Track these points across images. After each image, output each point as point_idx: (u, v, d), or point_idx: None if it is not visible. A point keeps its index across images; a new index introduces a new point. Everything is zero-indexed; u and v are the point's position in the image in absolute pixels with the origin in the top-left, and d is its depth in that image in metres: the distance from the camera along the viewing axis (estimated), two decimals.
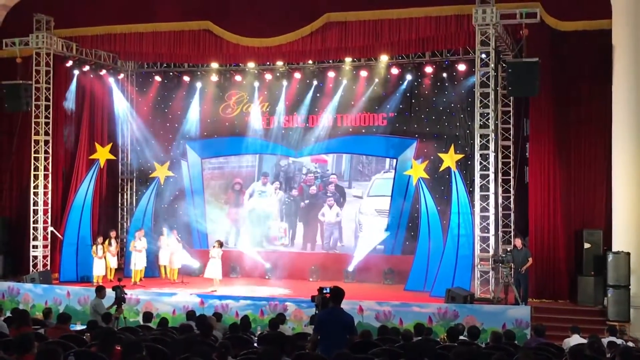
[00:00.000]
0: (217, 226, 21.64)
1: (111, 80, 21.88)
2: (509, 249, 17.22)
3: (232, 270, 20.46)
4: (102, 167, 20.79)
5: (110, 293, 14.25)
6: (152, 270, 20.17)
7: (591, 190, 17.42)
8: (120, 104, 22.44)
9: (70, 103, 20.77)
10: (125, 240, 20.83)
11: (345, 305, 9.18)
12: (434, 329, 13.98)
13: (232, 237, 21.57)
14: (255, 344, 10.14)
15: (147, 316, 12.96)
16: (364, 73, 20.50)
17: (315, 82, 21.07)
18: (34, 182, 19.74)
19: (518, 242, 16.75)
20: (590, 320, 15.47)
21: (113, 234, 19.92)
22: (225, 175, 22.09)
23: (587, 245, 16.83)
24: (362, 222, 20.71)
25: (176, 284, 19.29)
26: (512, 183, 18.13)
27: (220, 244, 18.87)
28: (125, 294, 14.59)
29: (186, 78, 22.03)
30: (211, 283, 18.48)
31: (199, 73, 21.98)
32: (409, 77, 20.17)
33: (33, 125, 19.63)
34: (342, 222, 20.80)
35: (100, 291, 13.64)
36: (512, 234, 18.13)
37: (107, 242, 19.43)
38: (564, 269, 17.27)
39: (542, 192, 17.52)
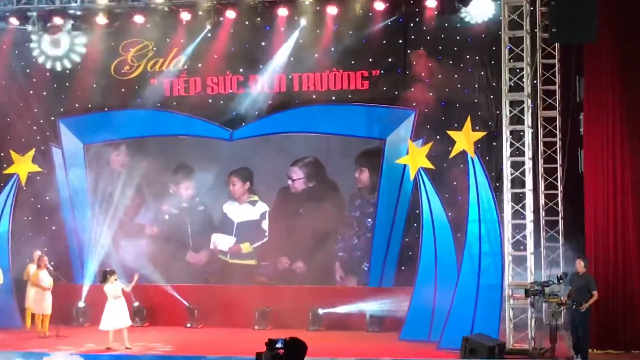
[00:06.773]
0: (113, 249, 21.45)
1: None
2: (559, 275, 17.21)
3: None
4: None
5: None
6: (10, 318, 20.01)
7: None
8: None
9: None
10: None
11: None
12: None
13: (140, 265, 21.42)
14: None
15: None
16: (332, 10, 20.30)
17: (258, 25, 21.04)
18: None
19: (580, 265, 16.64)
20: None
21: None
22: (128, 170, 21.83)
23: None
24: None
25: (48, 337, 19.19)
26: (559, 175, 18.24)
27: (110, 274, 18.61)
28: None
29: (58, 20, 21.64)
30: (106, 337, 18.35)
31: (75, 12, 21.41)
32: (401, 14, 20.19)
33: None
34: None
35: None
36: (560, 250, 18.22)
37: None
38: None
39: (605, 187, 17.53)
